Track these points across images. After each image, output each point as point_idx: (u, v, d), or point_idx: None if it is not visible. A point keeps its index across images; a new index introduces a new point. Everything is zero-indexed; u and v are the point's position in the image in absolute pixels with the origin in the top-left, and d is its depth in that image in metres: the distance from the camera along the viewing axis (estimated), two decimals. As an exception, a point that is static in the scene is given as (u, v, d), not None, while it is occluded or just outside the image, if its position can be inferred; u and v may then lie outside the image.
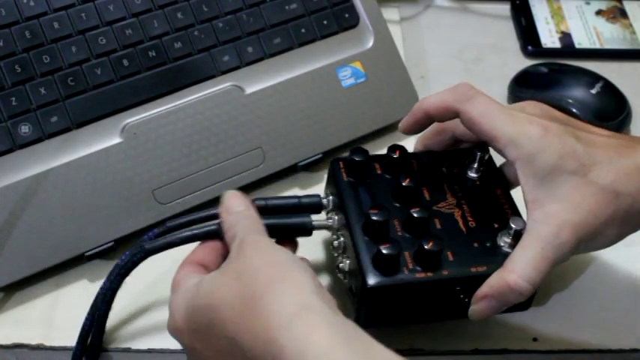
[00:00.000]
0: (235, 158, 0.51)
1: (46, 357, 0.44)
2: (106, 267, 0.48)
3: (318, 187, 0.52)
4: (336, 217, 0.43)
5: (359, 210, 0.41)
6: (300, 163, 0.53)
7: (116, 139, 0.49)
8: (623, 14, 0.69)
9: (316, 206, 0.44)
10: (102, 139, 0.49)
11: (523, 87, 0.61)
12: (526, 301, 0.39)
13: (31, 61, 0.48)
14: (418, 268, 0.38)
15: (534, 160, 0.38)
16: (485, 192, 0.43)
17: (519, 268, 0.37)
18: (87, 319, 0.43)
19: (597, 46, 0.66)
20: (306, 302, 0.32)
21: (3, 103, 0.47)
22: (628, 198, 0.38)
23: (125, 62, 0.50)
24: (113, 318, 0.43)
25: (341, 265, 0.41)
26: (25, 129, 0.48)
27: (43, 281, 0.47)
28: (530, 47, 0.66)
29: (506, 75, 0.62)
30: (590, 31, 0.68)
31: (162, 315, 0.46)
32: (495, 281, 0.38)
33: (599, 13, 0.69)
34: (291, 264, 0.34)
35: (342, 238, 0.42)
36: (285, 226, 0.42)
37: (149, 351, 0.44)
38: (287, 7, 0.55)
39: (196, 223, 0.42)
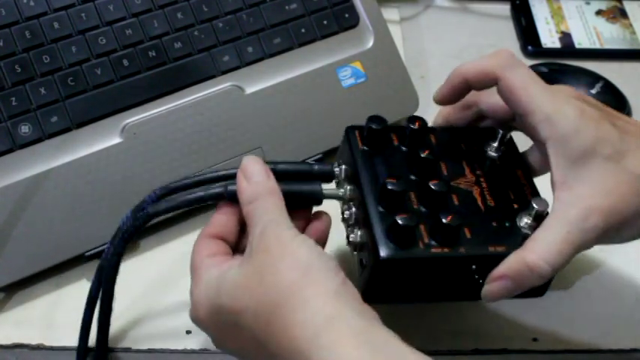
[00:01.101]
0: (235, 158, 0.51)
1: (46, 357, 0.44)
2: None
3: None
4: (348, 187, 0.41)
5: (373, 180, 0.39)
6: (301, 163, 0.53)
7: (116, 139, 0.49)
8: (623, 14, 0.69)
9: (327, 174, 0.42)
10: (102, 139, 0.49)
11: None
12: (541, 287, 0.38)
13: (31, 61, 0.48)
14: (434, 243, 0.37)
15: (569, 140, 0.36)
16: (505, 172, 0.42)
17: (541, 249, 0.36)
18: (93, 283, 0.41)
19: (597, 46, 0.66)
20: (331, 312, 0.32)
21: (3, 103, 0.47)
22: None
23: (125, 62, 0.50)
24: (113, 318, 0.43)
25: (352, 236, 0.39)
26: (25, 129, 0.48)
27: (43, 281, 0.47)
28: (530, 47, 0.66)
29: (506, 75, 0.62)
30: (590, 31, 0.68)
31: (162, 315, 0.46)
32: (514, 261, 0.36)
33: (599, 13, 0.69)
34: (313, 262, 0.34)
35: (353, 209, 0.40)
36: (295, 194, 0.39)
37: (149, 351, 0.44)
38: (287, 7, 0.55)
39: (203, 184, 0.40)
